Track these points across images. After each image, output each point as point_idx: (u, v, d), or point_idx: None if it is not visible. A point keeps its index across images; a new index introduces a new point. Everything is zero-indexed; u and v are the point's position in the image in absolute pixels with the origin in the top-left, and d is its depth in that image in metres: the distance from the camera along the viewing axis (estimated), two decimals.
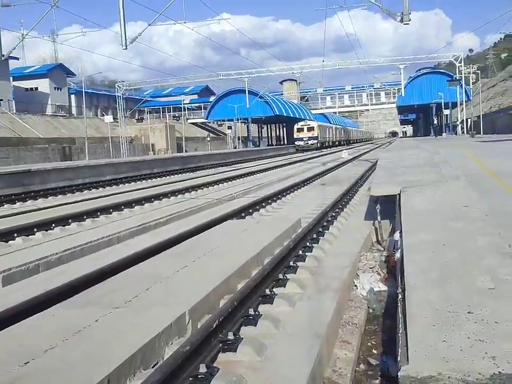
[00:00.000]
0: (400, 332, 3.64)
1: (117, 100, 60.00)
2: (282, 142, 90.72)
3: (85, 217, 11.73)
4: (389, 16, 20.73)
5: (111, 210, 12.88)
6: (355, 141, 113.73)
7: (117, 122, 61.49)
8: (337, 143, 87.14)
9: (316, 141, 67.74)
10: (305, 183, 19.03)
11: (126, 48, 24.29)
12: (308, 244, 7.46)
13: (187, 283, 5.28)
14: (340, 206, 11.51)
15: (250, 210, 11.59)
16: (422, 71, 75.06)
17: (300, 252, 6.92)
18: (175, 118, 72.20)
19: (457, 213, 6.28)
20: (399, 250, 5.56)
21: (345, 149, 60.77)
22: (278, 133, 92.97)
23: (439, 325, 3.38)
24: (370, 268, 6.89)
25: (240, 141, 76.40)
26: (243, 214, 10.93)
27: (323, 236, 8.21)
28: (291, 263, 6.36)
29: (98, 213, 12.37)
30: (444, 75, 68.57)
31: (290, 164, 34.78)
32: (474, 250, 4.87)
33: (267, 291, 5.28)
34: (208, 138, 62.52)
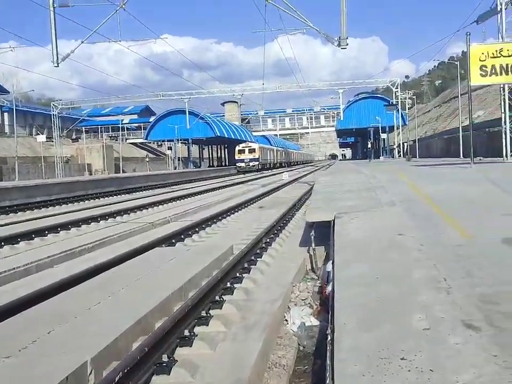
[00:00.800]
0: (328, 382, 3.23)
1: (52, 119, 57.98)
2: (223, 163, 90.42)
3: (2, 243, 10.85)
4: (327, 40, 20.89)
5: (33, 235, 12.01)
6: (296, 163, 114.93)
7: (53, 141, 59.50)
8: (278, 165, 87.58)
9: (257, 163, 67.73)
10: (243, 206, 18.66)
11: (58, 66, 23.31)
12: (237, 274, 7.01)
13: (96, 323, 4.69)
14: (276, 231, 11.15)
15: (182, 236, 11.03)
16: (360, 95, 76.87)
17: (228, 284, 6.44)
18: (112, 138, 70.57)
19: (392, 242, 6.00)
20: (331, 283, 5.19)
21: (286, 171, 61.18)
22: (219, 154, 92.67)
23: (370, 375, 2.99)
24: (302, 299, 6.49)
25: (181, 161, 75.58)
26: (173, 241, 10.38)
27: (255, 265, 7.77)
28: (217, 297, 5.87)
29: (19, 239, 11.49)
30: (381, 100, 70.43)
31: (230, 185, 34.39)
32: (410, 284, 4.55)
33: (186, 332, 4.76)
34: (147, 159, 61.32)
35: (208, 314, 5.33)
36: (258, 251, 8.75)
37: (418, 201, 8.72)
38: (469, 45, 14.54)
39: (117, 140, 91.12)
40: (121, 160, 65.66)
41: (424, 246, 5.76)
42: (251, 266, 7.60)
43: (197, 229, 12.17)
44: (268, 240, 9.87)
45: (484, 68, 14.73)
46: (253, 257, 8.15)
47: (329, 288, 5.52)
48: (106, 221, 15.76)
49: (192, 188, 33.50)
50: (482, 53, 14.80)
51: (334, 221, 7.68)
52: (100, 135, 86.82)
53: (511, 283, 4.45)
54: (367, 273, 4.94)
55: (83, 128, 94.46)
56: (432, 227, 6.63)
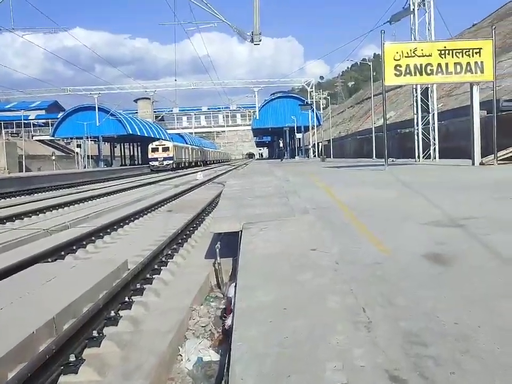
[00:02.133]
0: None
1: None
2: (137, 162, 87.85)
3: None
4: (239, 35, 20.11)
5: None
6: (212, 162, 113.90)
7: None
8: (193, 163, 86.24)
9: (171, 161, 66.13)
10: (151, 209, 17.52)
11: None
12: (127, 297, 5.98)
13: None
14: (181, 240, 10.18)
15: (74, 247, 9.79)
16: (276, 94, 77.11)
17: (113, 313, 5.41)
18: (13, 134, 66.36)
19: (305, 259, 5.23)
20: (232, 315, 4.32)
21: (201, 170, 60.02)
22: (132, 152, 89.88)
23: None
24: (202, 326, 5.59)
25: (92, 160, 72.47)
26: (62, 253, 9.13)
27: (151, 284, 6.78)
28: (95, 332, 4.84)
29: None
30: (296, 99, 70.95)
31: (141, 185, 32.92)
32: (323, 317, 3.77)
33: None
34: (53, 157, 57.96)
35: (80, 358, 4.29)
36: (157, 266, 7.75)
37: (333, 208, 8.06)
38: (383, 43, 14.20)
39: (23, 137, 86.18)
40: (24, 158, 61.83)
41: (339, 264, 5.03)
42: (145, 286, 6.61)
43: (92, 238, 10.93)
44: (170, 251, 8.89)
45: (398, 68, 14.42)
46: (149, 275, 7.15)
47: (228, 321, 4.65)
48: None
49: (100, 188, 31.76)
50: (397, 52, 14.49)
51: (241, 232, 6.84)
52: (2, 131, 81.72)
53: (436, 313, 3.78)
54: (274, 302, 4.12)
55: None
56: (347, 239, 5.94)
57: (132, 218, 14.40)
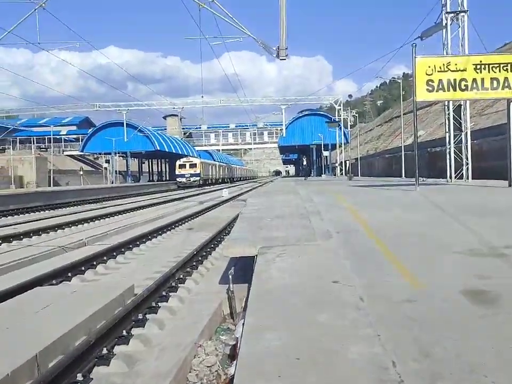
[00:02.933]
0: None
1: None
2: (164, 178, 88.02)
3: None
4: (265, 50, 19.62)
5: None
6: (239, 179, 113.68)
7: None
8: (220, 180, 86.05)
9: (198, 178, 66.02)
10: (172, 227, 17.03)
11: None
12: (124, 331, 5.36)
13: None
14: (196, 261, 9.58)
15: (82, 268, 9.26)
16: (303, 112, 76.51)
17: (105, 350, 4.79)
18: (42, 149, 67.11)
19: (324, 293, 4.56)
20: (235, 363, 3.67)
21: (227, 187, 59.61)
22: (160, 168, 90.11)
23: None
24: (208, 366, 4.93)
25: (121, 175, 72.84)
26: (69, 274, 8.59)
27: (156, 313, 6.17)
28: (79, 376, 4.22)
29: None
30: (324, 117, 70.23)
31: (166, 202, 32.62)
32: (342, 372, 3.10)
33: None
34: (81, 172, 58.28)
35: None
36: (166, 292, 7.14)
37: (359, 232, 7.35)
38: (415, 57, 13.46)
39: (52, 152, 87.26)
40: (52, 172, 62.31)
41: (364, 301, 4.34)
42: (149, 316, 5.99)
43: (104, 257, 10.39)
44: (183, 274, 8.28)
45: (430, 83, 13.61)
46: (154, 303, 6.53)
47: (231, 370, 3.99)
48: (9, 244, 13.79)
49: (126, 204, 31.49)
50: (429, 66, 13.69)
51: (256, 257, 6.20)
52: (35, 146, 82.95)
53: (484, 371, 3.06)
54: (285, 349, 3.45)
55: (17, 138, 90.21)
56: (374, 270, 5.24)
57: (150, 237, 13.89)
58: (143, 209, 26.68)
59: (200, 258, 9.92)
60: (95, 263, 9.79)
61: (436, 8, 19.60)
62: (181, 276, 8.11)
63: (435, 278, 4.99)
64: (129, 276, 8.47)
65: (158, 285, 7.09)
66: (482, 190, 15.76)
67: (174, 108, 64.83)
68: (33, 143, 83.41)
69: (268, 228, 7.90)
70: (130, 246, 12.16)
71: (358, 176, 54.41)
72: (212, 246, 11.92)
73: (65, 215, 23.26)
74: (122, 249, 11.54)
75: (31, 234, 15.30)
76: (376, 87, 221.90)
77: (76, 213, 24.45)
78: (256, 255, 6.32)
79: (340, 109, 60.50)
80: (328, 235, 7.17)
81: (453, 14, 18.93)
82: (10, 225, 18.28)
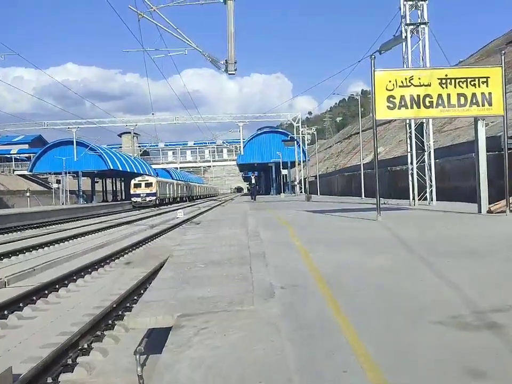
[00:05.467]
0: None
1: None
2: (120, 197, 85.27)
3: None
4: (212, 63, 18.13)
5: None
6: (199, 197, 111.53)
7: None
8: (178, 199, 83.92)
9: (154, 198, 63.84)
10: (109, 260, 15.17)
11: None
12: None
13: None
14: (116, 315, 7.84)
15: None
16: (261, 130, 75.42)
17: None
18: None
19: None
20: None
21: (186, 206, 57.72)
22: (114, 188, 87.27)
23: None
24: None
25: (74, 195, 69.92)
26: None
27: None
28: None
29: None
30: (282, 134, 69.22)
31: (115, 226, 30.55)
32: None
33: None
34: (28, 193, 55.32)
35: None
36: (54, 376, 5.37)
37: (309, 287, 5.78)
38: (373, 70, 12.08)
39: (3, 172, 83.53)
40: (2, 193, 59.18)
41: None
42: None
43: (5, 312, 8.51)
44: (92, 340, 6.52)
45: (391, 99, 12.19)
46: None
47: None
48: None
49: (71, 228, 29.25)
50: (390, 81, 12.27)
51: (169, 335, 4.55)
52: None
53: None
54: None
55: None
56: (326, 361, 3.67)
57: (81, 274, 12.05)
58: (87, 235, 24.67)
59: (122, 310, 8.18)
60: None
61: (395, 21, 18.59)
62: (86, 345, 6.31)
63: (409, 371, 3.47)
64: (20, 346, 6.66)
65: (46, 364, 5.34)
66: (451, 217, 14.44)
67: (126, 126, 62.57)
68: None
69: (196, 281, 6.25)
70: (45, 292, 10.30)
71: (317, 194, 53.25)
72: (146, 287, 10.21)
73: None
74: (34, 297, 9.68)
75: None
76: (335, 104, 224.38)
77: (12, 241, 22.24)
78: (171, 328, 4.68)
79: (299, 126, 59.42)
80: (270, 292, 5.57)
81: (413, 26, 17.85)
82: None
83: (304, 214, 17.64)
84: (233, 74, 17.81)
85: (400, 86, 12.16)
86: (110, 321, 7.39)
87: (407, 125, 19.44)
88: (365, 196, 34.35)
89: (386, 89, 12.12)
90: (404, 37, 17.83)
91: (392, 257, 7.42)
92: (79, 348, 6.18)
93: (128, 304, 8.51)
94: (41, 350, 6.22)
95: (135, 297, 9.08)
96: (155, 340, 5.84)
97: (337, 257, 7.52)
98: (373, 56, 12.14)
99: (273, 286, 5.86)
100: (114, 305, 8.00)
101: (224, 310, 4.99)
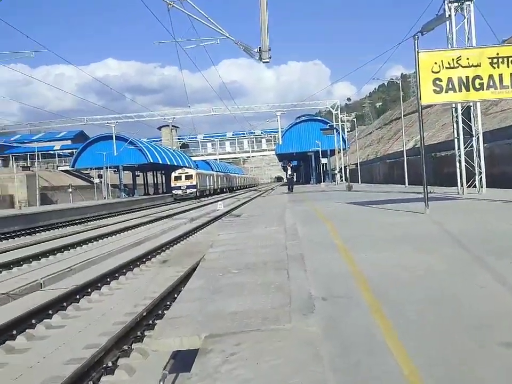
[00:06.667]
0: None
1: None
2: (161, 190, 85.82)
3: None
4: (245, 52, 17.48)
5: None
6: (239, 188, 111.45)
7: None
8: (219, 190, 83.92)
9: (194, 190, 63.92)
10: (145, 259, 14.83)
11: None
12: None
13: None
14: (147, 325, 7.37)
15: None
16: (300, 118, 74.29)
17: None
18: (26, 168, 65.14)
19: None
20: None
21: (225, 198, 57.48)
22: (155, 181, 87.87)
23: None
24: None
25: (117, 188, 70.66)
26: None
27: None
28: None
29: None
30: (321, 122, 67.97)
31: (154, 220, 30.46)
32: None
33: None
34: (70, 189, 56.13)
35: None
36: None
37: (353, 298, 5.13)
38: (417, 51, 11.17)
39: (46, 167, 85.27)
40: (45, 189, 60.31)
41: None
42: None
43: (33, 321, 8.17)
44: (118, 355, 6.05)
45: (437, 82, 11.24)
46: None
47: None
48: None
49: (111, 224, 29.28)
50: (435, 63, 11.29)
51: (196, 358, 4.01)
52: (29, 162, 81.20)
53: None
54: None
55: (10, 155, 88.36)
56: None
57: (109, 279, 11.69)
58: (126, 231, 24.59)
59: (154, 318, 7.71)
60: (14, 332, 7.55)
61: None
62: (111, 363, 5.82)
63: None
64: (44, 362, 6.25)
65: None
66: (506, 208, 13.41)
67: (164, 119, 62.64)
68: (28, 159, 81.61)
69: (228, 291, 5.69)
70: (78, 295, 9.97)
71: (358, 182, 51.98)
72: (180, 289, 9.76)
73: (37, 243, 21.08)
74: (65, 303, 9.35)
75: None
76: (375, 89, 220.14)
77: (51, 239, 22.26)
78: (197, 352, 4.14)
79: (337, 114, 58.14)
80: (310, 305, 4.95)
81: (456, 4, 16.72)
82: None
83: (344, 206, 16.82)
84: (267, 62, 17.15)
85: (447, 68, 11.23)
86: (139, 333, 6.91)
87: (453, 109, 18.34)
88: (408, 184, 33.15)
89: (432, 71, 11.21)
90: (447, 16, 16.74)
91: (446, 258, 6.67)
92: (104, 366, 5.71)
93: (160, 312, 8.04)
94: (65, 367, 5.81)
95: (168, 303, 8.62)
96: (184, 357, 5.31)
97: (382, 259, 6.82)
98: (416, 37, 11.24)
99: (312, 297, 5.24)
100: (145, 314, 7.52)
101: (257, 329, 4.40)
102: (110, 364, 5.73)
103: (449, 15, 16.71)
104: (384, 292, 5.30)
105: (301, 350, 3.94)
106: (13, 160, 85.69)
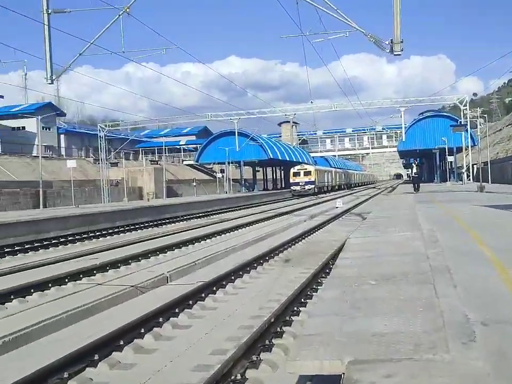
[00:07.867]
0: None
1: (99, 141, 56.04)
2: (279, 186, 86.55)
3: None
4: (375, 44, 16.72)
5: None
6: (357, 185, 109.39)
7: (107, 164, 57.32)
8: (337, 187, 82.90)
9: (313, 186, 63.56)
10: (268, 256, 14.66)
11: (52, 83, 20.39)
12: None
13: None
14: (275, 333, 7.08)
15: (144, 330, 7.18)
16: (424, 114, 71.03)
17: None
18: (154, 161, 68.33)
19: None
20: None
21: (344, 195, 56.54)
22: (274, 176, 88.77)
23: None
24: None
25: (238, 184, 72.42)
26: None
27: None
28: None
29: None
30: (447, 119, 64.50)
31: (275, 216, 30.51)
32: None
33: None
34: (194, 183, 58.23)
35: None
36: None
37: None
38: None
39: (173, 162, 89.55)
40: (170, 182, 63.08)
41: None
42: None
43: (160, 319, 8.21)
44: (245, 368, 5.77)
45: None
46: None
47: None
48: (90, 277, 12.20)
49: (232, 219, 29.77)
50: None
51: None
52: (156, 156, 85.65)
53: None
54: None
55: (140, 149, 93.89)
56: None
57: (233, 277, 11.64)
58: (248, 226, 24.79)
59: (281, 324, 7.40)
60: (143, 330, 7.61)
61: None
62: (240, 375, 5.53)
63: None
64: (170, 366, 6.17)
65: None
66: None
67: (285, 115, 62.93)
68: (159, 154, 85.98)
69: (367, 306, 5.23)
70: (203, 294, 9.98)
71: (488, 183, 48.57)
72: (306, 293, 9.43)
73: (166, 235, 21.83)
74: (191, 301, 9.37)
75: (119, 265, 13.84)
76: (504, 83, 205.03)
77: (178, 232, 22.96)
78: (342, 378, 3.73)
79: (466, 109, 54.69)
80: (468, 331, 4.34)
81: None
82: (90, 253, 16.56)
83: (482, 209, 15.49)
84: (399, 54, 16.26)
85: None
86: (267, 341, 6.62)
87: None
88: None
89: None
90: None
91: None
92: (231, 378, 5.46)
93: (287, 318, 7.72)
94: (192, 375, 5.68)
95: (295, 308, 8.29)
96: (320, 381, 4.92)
97: None
98: None
99: (469, 320, 4.61)
100: (273, 320, 7.23)
101: (410, 358, 3.90)
102: (238, 377, 5.48)
103: None
104: None
105: None
106: (142, 154, 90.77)
